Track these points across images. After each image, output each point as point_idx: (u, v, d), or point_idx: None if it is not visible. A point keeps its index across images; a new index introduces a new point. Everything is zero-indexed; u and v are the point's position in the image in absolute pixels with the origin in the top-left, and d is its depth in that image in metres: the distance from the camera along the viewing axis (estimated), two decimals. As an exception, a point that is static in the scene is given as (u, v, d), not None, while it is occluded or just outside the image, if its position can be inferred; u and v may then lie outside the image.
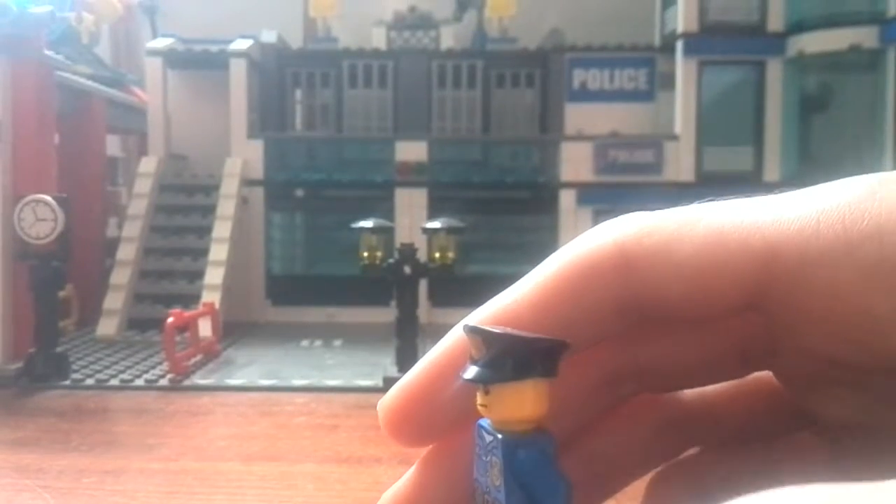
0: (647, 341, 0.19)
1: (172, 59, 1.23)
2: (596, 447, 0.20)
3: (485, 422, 0.17)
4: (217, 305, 0.98)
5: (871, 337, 0.15)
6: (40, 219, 0.79)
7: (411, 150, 1.20)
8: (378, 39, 1.32)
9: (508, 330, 0.16)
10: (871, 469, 0.16)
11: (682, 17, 1.19)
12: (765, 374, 0.19)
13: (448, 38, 1.33)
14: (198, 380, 0.80)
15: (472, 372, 0.16)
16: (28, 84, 0.85)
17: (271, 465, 0.55)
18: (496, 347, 0.16)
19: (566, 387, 0.17)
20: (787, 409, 0.19)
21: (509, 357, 0.16)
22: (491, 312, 0.17)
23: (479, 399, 0.16)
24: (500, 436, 0.16)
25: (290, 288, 1.23)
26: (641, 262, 0.17)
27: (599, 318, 0.17)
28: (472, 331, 0.16)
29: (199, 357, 0.88)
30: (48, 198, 0.79)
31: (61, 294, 0.88)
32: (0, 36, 0.82)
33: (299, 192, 1.25)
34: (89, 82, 1.10)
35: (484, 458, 0.17)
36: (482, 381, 0.16)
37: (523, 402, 0.16)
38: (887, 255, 0.15)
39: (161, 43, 1.23)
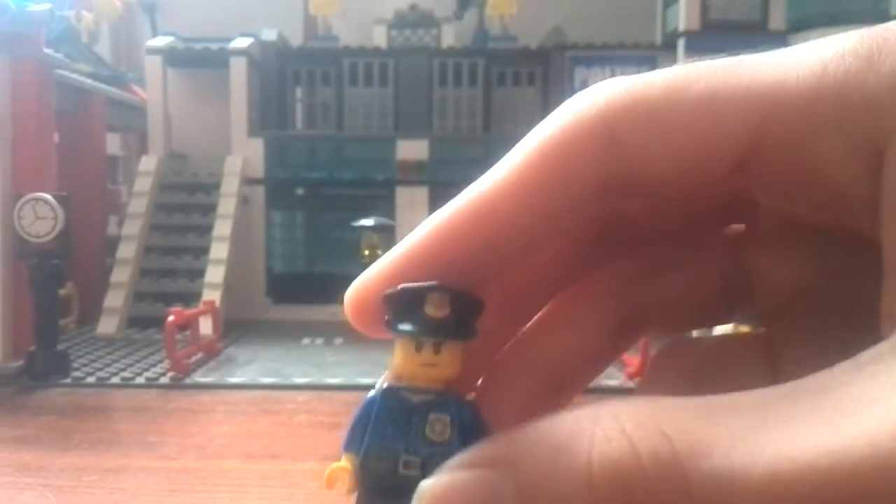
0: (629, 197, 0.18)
1: (172, 58, 1.23)
2: (549, 352, 0.19)
3: (401, 384, 0.17)
4: (218, 304, 0.97)
5: (842, 211, 0.15)
6: (40, 217, 0.79)
7: (412, 149, 1.19)
8: (379, 38, 1.32)
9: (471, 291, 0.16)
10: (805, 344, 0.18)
11: (684, 16, 1.19)
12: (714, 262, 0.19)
13: (449, 37, 1.33)
14: (198, 378, 0.80)
15: (438, 328, 0.16)
16: (27, 82, 0.85)
17: (272, 464, 0.55)
18: (464, 307, 0.16)
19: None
20: (734, 295, 0.19)
21: (472, 315, 0.16)
22: (468, 203, 0.16)
23: (426, 359, 0.16)
24: (449, 394, 0.17)
25: (291, 286, 1.23)
26: (628, 136, 0.15)
27: (581, 200, 0.16)
28: (439, 290, 0.16)
29: (199, 355, 0.88)
30: (48, 196, 0.79)
31: (61, 292, 0.87)
32: None
33: (300, 191, 1.24)
34: (89, 80, 1.10)
35: (401, 420, 0.16)
36: (461, 337, 0.16)
37: (459, 359, 0.16)
38: (874, 136, 0.14)
39: (161, 41, 1.23)
